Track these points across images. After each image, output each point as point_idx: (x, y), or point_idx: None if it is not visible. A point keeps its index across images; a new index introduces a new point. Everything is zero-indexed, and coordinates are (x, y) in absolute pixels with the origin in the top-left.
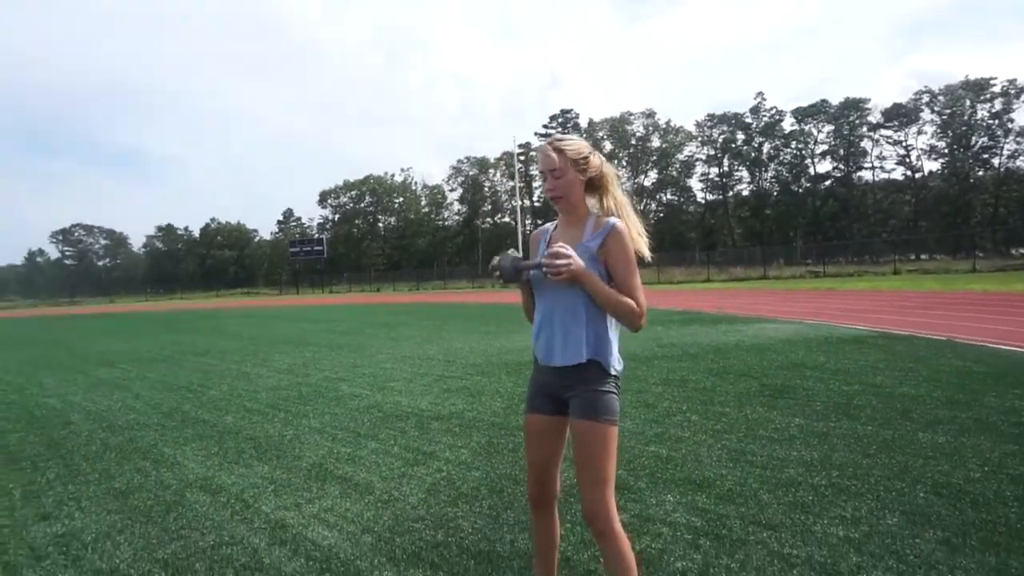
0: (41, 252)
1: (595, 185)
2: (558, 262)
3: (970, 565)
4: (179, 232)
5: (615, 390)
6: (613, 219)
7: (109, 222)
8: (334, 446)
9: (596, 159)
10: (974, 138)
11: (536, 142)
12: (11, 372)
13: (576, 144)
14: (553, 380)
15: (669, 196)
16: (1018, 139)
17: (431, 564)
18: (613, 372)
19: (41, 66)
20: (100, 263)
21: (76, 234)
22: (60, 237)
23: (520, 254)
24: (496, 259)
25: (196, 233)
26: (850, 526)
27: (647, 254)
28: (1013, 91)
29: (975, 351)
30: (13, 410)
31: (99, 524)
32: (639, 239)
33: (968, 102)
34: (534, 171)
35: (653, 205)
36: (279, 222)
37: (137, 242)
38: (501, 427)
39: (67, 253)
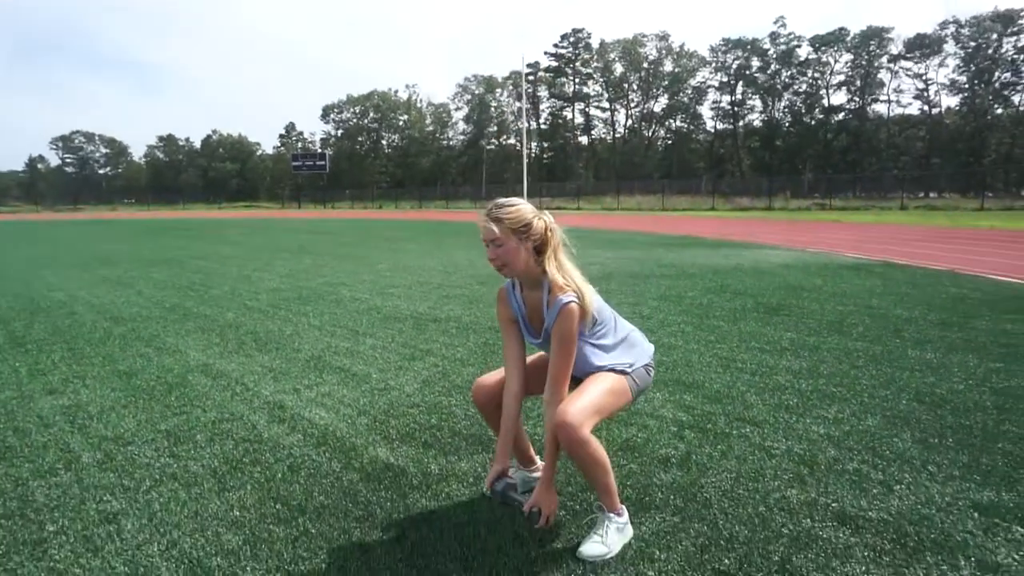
0: (41, 158)
1: (539, 250)
2: (542, 523)
3: (943, 461)
4: (180, 143)
5: (640, 371)
6: (564, 298)
7: (110, 131)
8: (333, 341)
9: (539, 223)
10: (996, 73)
11: (546, 62)
12: (16, 268)
13: (516, 212)
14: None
15: (679, 123)
16: None
17: (423, 443)
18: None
19: None
20: (101, 171)
21: (76, 141)
22: (60, 144)
23: (511, 483)
24: (490, 489)
25: (197, 144)
26: (831, 425)
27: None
28: None
29: (973, 281)
30: (19, 301)
31: (104, 399)
32: (587, 303)
33: (995, 35)
34: (542, 92)
35: (662, 131)
36: (281, 136)
37: (138, 152)
38: (496, 331)
39: (67, 160)
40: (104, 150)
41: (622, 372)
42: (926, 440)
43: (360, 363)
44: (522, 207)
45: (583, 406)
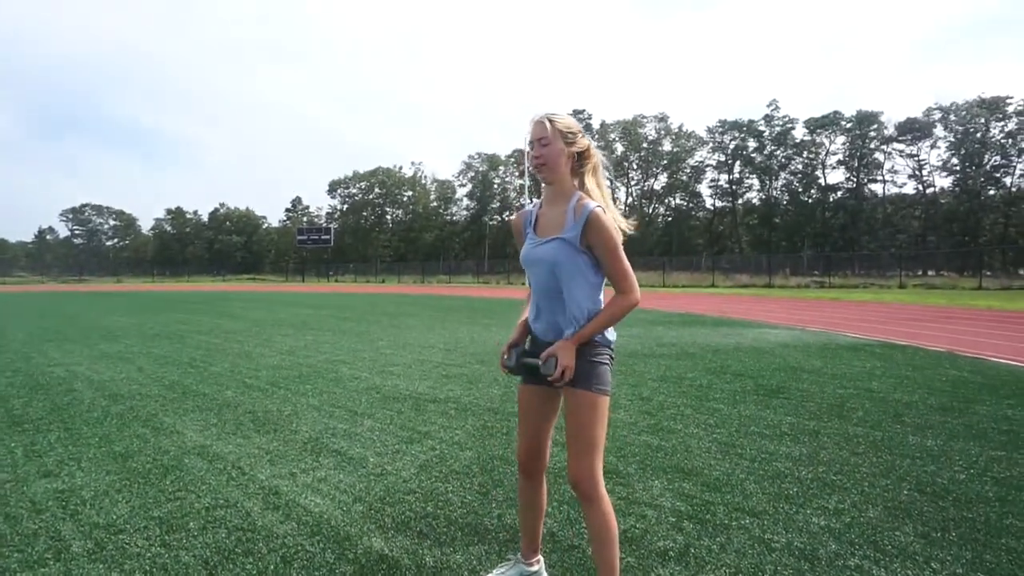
0: (51, 230)
1: (579, 164)
2: (557, 374)
3: (946, 557)
4: (188, 215)
5: (608, 361)
6: (591, 205)
7: (119, 203)
8: (331, 422)
9: (585, 140)
10: (987, 156)
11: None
12: (18, 342)
13: (567, 120)
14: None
15: (678, 200)
16: None
17: (419, 533)
18: (607, 340)
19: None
20: (109, 243)
21: (86, 213)
22: (70, 216)
23: (526, 349)
24: (504, 362)
25: (205, 217)
26: (832, 517)
27: (626, 229)
28: None
29: (973, 363)
30: (19, 377)
31: (98, 483)
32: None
33: (982, 120)
34: None
35: (662, 209)
36: (287, 210)
37: (146, 224)
38: (496, 412)
39: (76, 232)
40: (113, 222)
41: (601, 392)
42: (928, 534)
43: (357, 446)
44: (571, 118)
45: (592, 459)
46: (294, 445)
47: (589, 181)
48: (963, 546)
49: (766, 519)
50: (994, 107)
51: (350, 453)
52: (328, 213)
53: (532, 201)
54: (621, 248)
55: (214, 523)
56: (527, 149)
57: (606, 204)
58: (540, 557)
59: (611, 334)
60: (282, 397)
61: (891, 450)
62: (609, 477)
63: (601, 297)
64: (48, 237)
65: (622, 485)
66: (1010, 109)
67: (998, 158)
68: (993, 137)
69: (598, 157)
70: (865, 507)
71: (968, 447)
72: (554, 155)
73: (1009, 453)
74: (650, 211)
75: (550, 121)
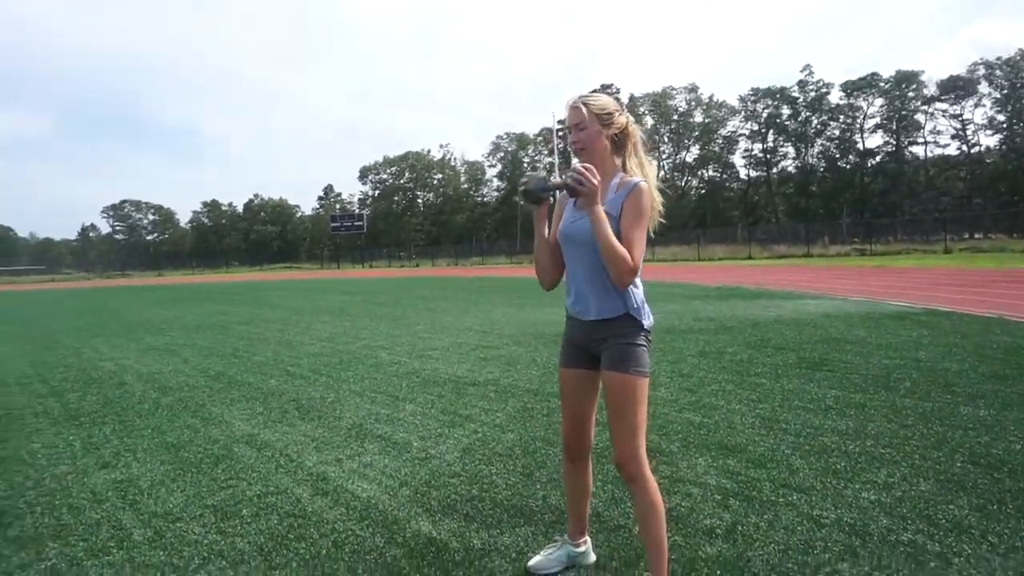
0: (93, 227)
1: (619, 144)
2: (586, 176)
3: (1003, 531)
4: (224, 208)
5: (645, 343)
6: (639, 179)
7: (157, 198)
8: (373, 408)
9: (622, 118)
10: None
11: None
12: (69, 338)
13: (602, 100)
14: (585, 334)
15: (711, 172)
16: None
17: (465, 516)
18: (643, 323)
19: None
20: (149, 237)
21: (126, 209)
22: (111, 213)
23: (548, 176)
24: (525, 178)
25: (240, 209)
26: (882, 491)
27: (652, 229)
28: None
29: None
30: (72, 372)
31: (153, 473)
32: (655, 207)
33: None
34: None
35: (695, 181)
36: (320, 198)
37: (184, 217)
38: (536, 393)
39: (117, 228)
40: (152, 217)
41: (640, 373)
42: (984, 507)
43: (401, 430)
44: (606, 98)
45: (636, 441)
46: (339, 431)
47: (631, 161)
48: (1021, 519)
49: (814, 495)
50: None
51: (394, 438)
52: (360, 199)
53: (562, 175)
54: (646, 226)
55: (266, 510)
56: (556, 129)
57: (651, 184)
58: (587, 538)
59: (647, 319)
60: (324, 384)
61: (941, 421)
62: (652, 456)
63: (638, 278)
64: (91, 234)
65: (666, 464)
66: None
67: None
68: None
69: (638, 134)
70: (916, 480)
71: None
72: (592, 138)
73: None
74: (683, 184)
75: (585, 105)
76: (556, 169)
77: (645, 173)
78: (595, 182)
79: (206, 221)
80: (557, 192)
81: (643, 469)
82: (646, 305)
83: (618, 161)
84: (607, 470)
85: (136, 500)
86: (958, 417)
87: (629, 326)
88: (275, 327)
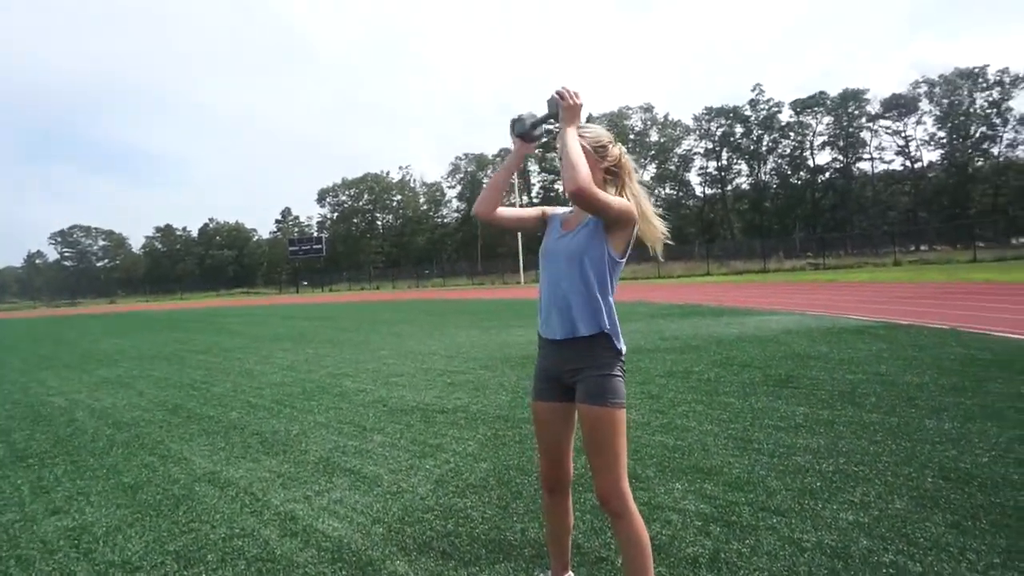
0: (40, 254)
1: (613, 175)
2: (570, 93)
3: (980, 547)
4: (178, 232)
5: (620, 373)
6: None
7: (108, 223)
8: (340, 440)
9: (615, 149)
10: (972, 127)
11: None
12: (15, 371)
13: (594, 132)
14: (559, 362)
15: (668, 190)
16: (1016, 128)
17: (442, 553)
18: (619, 348)
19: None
20: (99, 264)
21: (75, 235)
22: (59, 239)
23: (535, 114)
24: (518, 115)
25: (195, 233)
26: (859, 511)
27: (660, 252)
28: (1008, 79)
29: (979, 339)
30: (18, 409)
31: (109, 518)
32: (656, 234)
33: (965, 91)
34: (532, 167)
35: (653, 199)
36: (277, 221)
37: (136, 243)
38: (506, 420)
39: (66, 254)
40: (103, 243)
41: (617, 405)
42: (959, 523)
43: (370, 463)
44: (599, 129)
45: (617, 475)
46: (305, 466)
47: (626, 192)
48: (996, 534)
49: (793, 517)
50: (975, 77)
51: (363, 471)
52: (319, 222)
53: (522, 199)
54: (613, 199)
55: (232, 554)
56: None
57: (646, 212)
58: (571, 574)
59: (621, 343)
60: (288, 416)
61: (909, 436)
62: (629, 482)
63: (611, 298)
64: (38, 261)
65: (643, 489)
66: (991, 78)
67: (984, 128)
68: (977, 108)
69: (631, 164)
70: (891, 498)
71: (986, 428)
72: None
73: None
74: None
75: (581, 137)
76: (517, 190)
77: (640, 204)
78: (579, 101)
79: (160, 246)
80: (545, 125)
81: (627, 503)
82: (619, 326)
83: (612, 192)
84: (584, 499)
85: (91, 549)
86: (924, 431)
87: (605, 354)
88: (234, 356)
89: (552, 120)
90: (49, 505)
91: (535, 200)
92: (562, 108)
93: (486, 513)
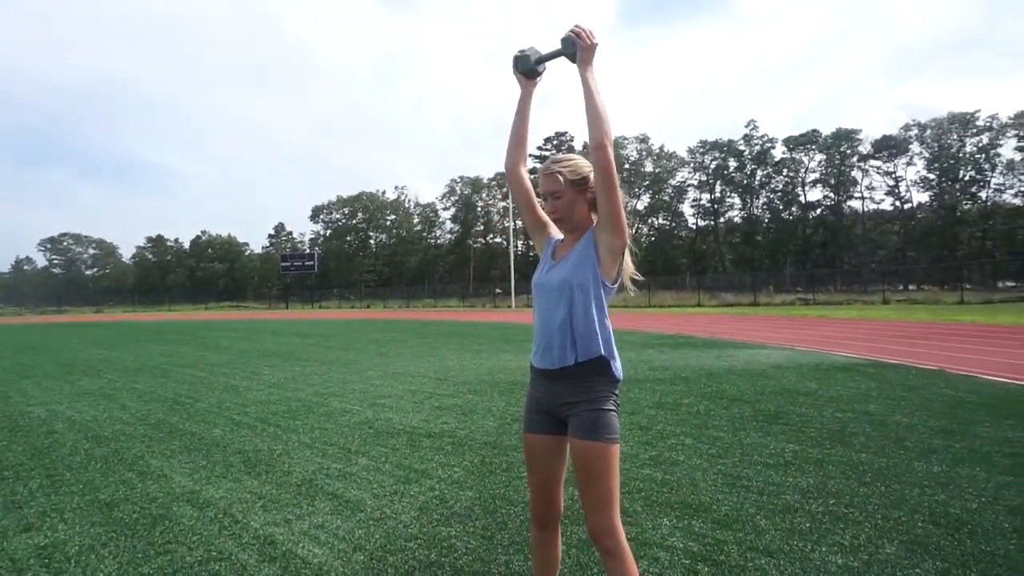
0: (29, 260)
1: (597, 206)
2: (586, 32)
3: None
4: (169, 243)
5: (614, 407)
6: None
7: (99, 232)
8: (324, 462)
9: None
10: (961, 171)
11: (531, 164)
12: None
13: (574, 164)
14: (551, 394)
15: (661, 220)
16: (1004, 173)
17: None
18: (616, 375)
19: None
20: (88, 272)
21: (65, 243)
22: (48, 245)
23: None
24: (520, 50)
25: (186, 245)
26: (849, 554)
27: (628, 284)
28: (998, 126)
29: (966, 381)
30: None
31: (83, 537)
32: (627, 270)
33: (955, 135)
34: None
35: (645, 229)
36: (270, 236)
37: (127, 252)
38: (494, 446)
39: (55, 261)
40: (92, 251)
41: (610, 440)
42: (949, 571)
43: (354, 487)
44: (580, 160)
45: (610, 512)
46: (287, 488)
47: None
48: None
49: (782, 558)
50: (966, 122)
51: (346, 495)
52: (311, 239)
53: (522, 243)
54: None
55: None
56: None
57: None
58: None
59: (619, 370)
60: (272, 435)
61: (898, 478)
62: None
63: (607, 321)
64: (26, 267)
65: (630, 524)
66: (980, 123)
67: (973, 172)
68: (967, 152)
69: None
70: (881, 542)
71: (975, 473)
72: (569, 206)
73: (1017, 478)
74: (633, 231)
75: (560, 172)
76: (510, 213)
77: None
78: (594, 40)
79: (150, 257)
80: (547, 63)
81: (619, 541)
82: (615, 350)
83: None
84: (570, 533)
85: (62, 569)
86: (913, 474)
87: (599, 384)
88: (221, 371)
89: (561, 57)
90: (21, 521)
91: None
92: (580, 48)
93: (470, 544)
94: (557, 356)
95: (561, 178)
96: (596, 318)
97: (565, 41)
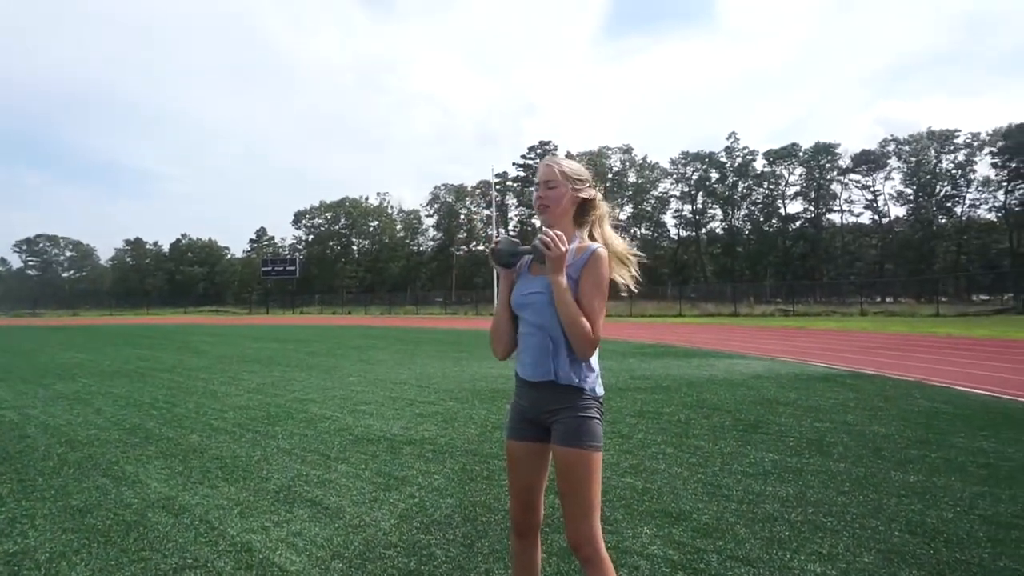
0: (3, 261)
1: (585, 212)
2: (554, 242)
3: None
4: (148, 247)
5: (598, 415)
6: (594, 245)
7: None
8: (303, 468)
9: (592, 191)
10: (938, 186)
11: (514, 172)
12: None
13: (576, 165)
14: (535, 403)
15: (643, 231)
16: (979, 189)
17: None
18: (597, 395)
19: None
20: (65, 275)
21: (40, 244)
22: (24, 247)
23: (518, 240)
24: (497, 239)
25: (166, 248)
26: (827, 563)
27: (629, 284)
28: (976, 143)
29: (942, 393)
30: None
31: (54, 543)
32: (627, 275)
33: (933, 151)
34: (510, 201)
35: (628, 239)
36: (251, 240)
37: (105, 255)
38: (475, 454)
39: (30, 263)
40: (69, 253)
41: (594, 448)
42: None
43: (332, 494)
44: (580, 166)
45: (591, 520)
46: (265, 495)
47: (596, 232)
48: None
49: (761, 567)
50: (943, 139)
51: (325, 503)
52: (292, 244)
53: (500, 232)
54: (606, 294)
55: None
56: (494, 183)
57: (621, 254)
58: None
59: (599, 388)
60: (251, 440)
61: (876, 488)
62: None
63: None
64: (0, 268)
65: (611, 532)
66: (959, 141)
67: (949, 188)
68: (944, 168)
69: (605, 208)
70: (859, 551)
71: (951, 483)
72: (558, 198)
73: (991, 488)
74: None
75: (559, 164)
76: (494, 222)
77: (612, 246)
78: (563, 249)
79: (129, 260)
80: (525, 256)
81: (599, 550)
82: (598, 372)
83: (583, 232)
84: (550, 541)
85: None
86: (890, 483)
87: (584, 395)
88: (199, 376)
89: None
90: None
91: (511, 231)
92: (548, 259)
93: (450, 552)
94: (537, 371)
95: (558, 169)
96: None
97: (535, 249)
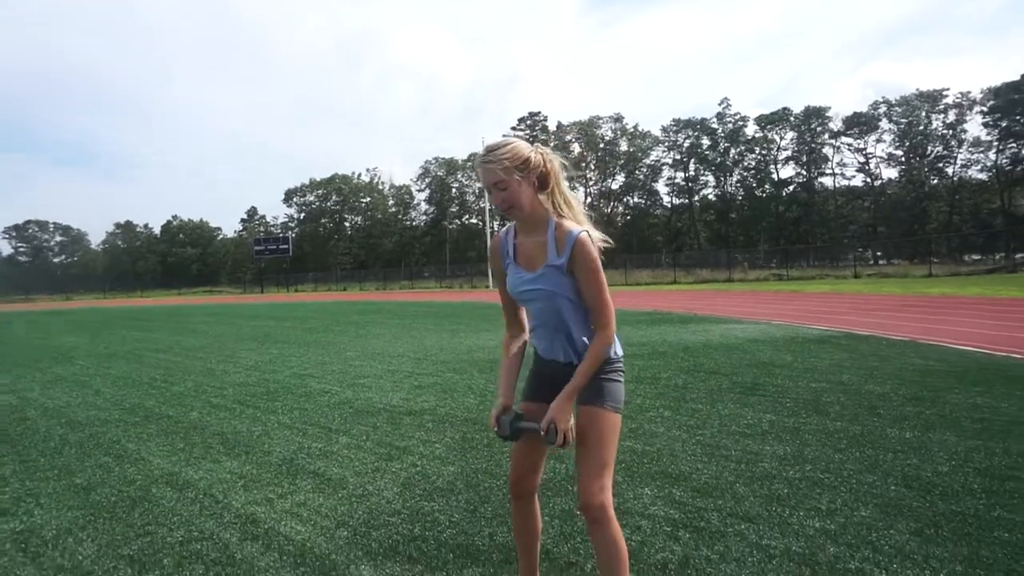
0: None
1: (543, 184)
2: (560, 437)
3: (943, 555)
4: (139, 229)
5: (620, 378)
6: (574, 231)
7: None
8: (305, 441)
9: (537, 156)
10: (929, 147)
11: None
12: None
13: (512, 149)
14: (557, 371)
15: (636, 199)
16: (970, 149)
17: (408, 557)
18: (615, 356)
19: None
20: (56, 260)
21: (31, 230)
22: (13, 233)
23: (519, 413)
24: (496, 427)
25: (157, 231)
26: (825, 518)
27: (601, 245)
28: (966, 103)
29: (936, 351)
30: None
31: (60, 520)
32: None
33: (923, 113)
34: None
35: (621, 208)
36: (243, 220)
37: (96, 238)
38: (475, 423)
39: (21, 249)
40: (60, 238)
41: (614, 409)
42: (922, 531)
43: (335, 465)
44: (517, 143)
45: (603, 481)
46: (268, 468)
47: (557, 197)
48: (957, 542)
49: (761, 523)
50: (933, 100)
51: (328, 474)
52: (284, 222)
53: (494, 224)
54: (603, 273)
55: (190, 558)
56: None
57: (580, 219)
58: None
59: (619, 348)
60: (251, 416)
61: (872, 444)
62: None
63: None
64: None
65: (612, 495)
66: (948, 100)
67: (940, 149)
68: (935, 129)
69: (556, 165)
70: (856, 506)
71: (945, 438)
72: (516, 194)
73: (985, 442)
74: (609, 210)
75: (497, 160)
76: (485, 194)
77: (572, 209)
78: (571, 437)
79: (120, 243)
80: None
81: (608, 511)
82: (616, 339)
83: (544, 201)
84: (553, 504)
85: (39, 552)
86: (886, 440)
87: (606, 360)
88: (196, 355)
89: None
90: None
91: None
92: (557, 444)
93: (453, 517)
94: (562, 353)
95: (500, 167)
96: (584, 321)
97: (547, 436)
